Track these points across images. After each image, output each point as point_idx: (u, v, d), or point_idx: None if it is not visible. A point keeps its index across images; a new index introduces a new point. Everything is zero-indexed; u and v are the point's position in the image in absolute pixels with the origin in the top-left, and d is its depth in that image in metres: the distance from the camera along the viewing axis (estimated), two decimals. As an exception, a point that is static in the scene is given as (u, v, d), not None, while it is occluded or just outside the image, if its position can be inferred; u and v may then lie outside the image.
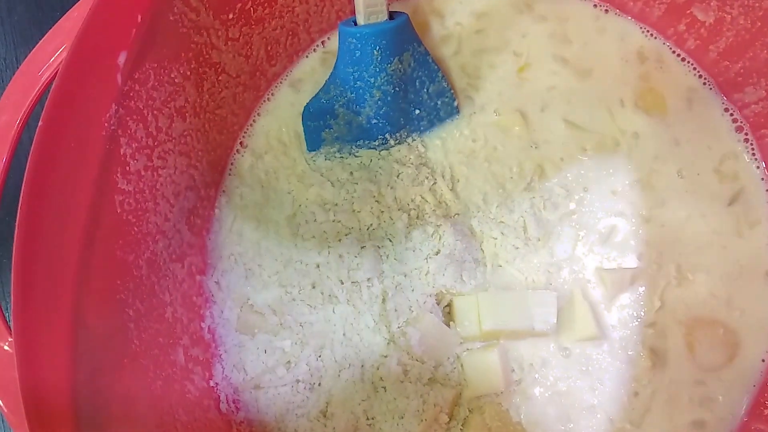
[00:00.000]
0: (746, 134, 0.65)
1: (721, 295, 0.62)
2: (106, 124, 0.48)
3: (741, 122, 0.65)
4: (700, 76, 0.67)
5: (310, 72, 0.70)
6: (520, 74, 0.68)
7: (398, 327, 0.61)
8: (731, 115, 0.66)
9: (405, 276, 0.63)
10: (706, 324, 0.62)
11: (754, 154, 0.65)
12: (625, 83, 0.67)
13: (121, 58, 0.48)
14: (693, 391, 0.61)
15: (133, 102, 0.50)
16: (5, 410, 0.48)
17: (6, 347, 0.50)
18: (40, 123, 0.42)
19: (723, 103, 0.66)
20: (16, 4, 0.85)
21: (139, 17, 0.48)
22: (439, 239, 0.63)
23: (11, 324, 0.42)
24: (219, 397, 0.61)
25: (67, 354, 0.44)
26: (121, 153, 0.50)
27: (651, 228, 0.64)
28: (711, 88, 0.67)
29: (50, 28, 0.53)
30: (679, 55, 0.67)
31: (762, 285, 0.62)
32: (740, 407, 0.61)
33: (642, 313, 0.62)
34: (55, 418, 0.42)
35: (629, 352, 0.61)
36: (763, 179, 0.64)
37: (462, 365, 0.61)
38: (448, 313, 0.63)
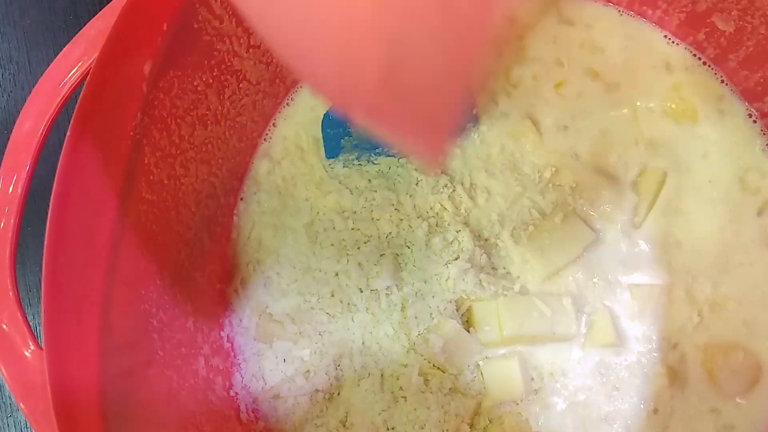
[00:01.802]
0: (768, 143, 0.65)
1: (745, 319, 0.61)
2: (131, 133, 0.48)
3: (762, 130, 0.65)
4: (722, 82, 0.67)
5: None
6: (558, 90, 0.68)
7: (418, 334, 0.61)
8: (754, 122, 0.65)
9: (425, 282, 0.62)
10: (726, 349, 0.61)
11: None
12: (653, 93, 0.67)
13: (147, 67, 0.48)
14: (715, 419, 0.60)
15: (157, 111, 0.50)
16: (28, 415, 0.48)
17: (28, 354, 0.50)
18: (67, 133, 0.42)
19: (747, 110, 0.66)
20: (29, 8, 0.85)
21: (165, 25, 0.48)
22: (459, 245, 0.63)
23: (36, 332, 0.42)
24: (239, 406, 0.61)
25: (95, 363, 0.44)
26: (146, 162, 0.50)
27: (679, 241, 0.63)
28: (734, 93, 0.66)
29: (62, 31, 0.52)
30: (706, 63, 0.67)
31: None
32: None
33: (664, 331, 0.62)
34: (83, 425, 0.42)
35: (649, 368, 0.61)
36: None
37: (481, 373, 0.61)
38: (465, 321, 0.63)
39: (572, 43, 0.68)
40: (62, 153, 0.42)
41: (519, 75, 0.68)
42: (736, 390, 0.60)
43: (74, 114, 0.42)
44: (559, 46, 0.68)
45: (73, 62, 0.51)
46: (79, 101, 0.43)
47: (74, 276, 0.43)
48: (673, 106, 0.66)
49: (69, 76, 0.51)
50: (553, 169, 0.65)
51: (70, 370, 0.42)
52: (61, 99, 0.51)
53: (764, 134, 0.65)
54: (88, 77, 0.43)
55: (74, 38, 0.52)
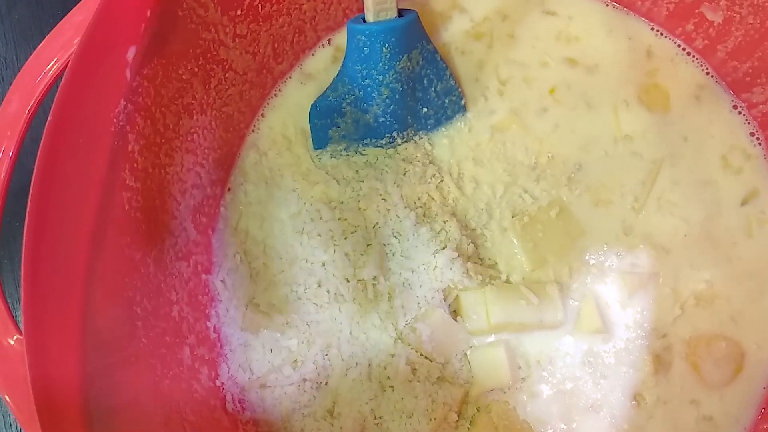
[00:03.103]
0: (753, 132, 0.65)
1: (730, 311, 0.62)
2: (114, 120, 0.47)
3: (750, 121, 0.65)
4: (707, 73, 0.67)
5: (322, 69, 0.69)
6: (553, 95, 0.68)
7: (406, 324, 0.61)
8: (740, 113, 0.66)
9: (412, 272, 0.62)
10: (708, 339, 0.61)
11: (765, 154, 0.64)
12: (630, 80, 0.67)
13: (130, 54, 0.48)
14: (696, 411, 0.61)
15: (141, 98, 0.50)
16: (13, 407, 0.48)
17: (12, 342, 0.50)
18: (49, 118, 0.42)
19: (732, 101, 0.66)
20: (17, 2, 0.84)
21: (149, 12, 0.48)
22: (446, 235, 0.63)
23: (19, 321, 0.42)
24: (225, 396, 0.60)
25: (77, 351, 0.44)
26: (129, 150, 0.50)
27: (666, 229, 0.63)
28: (719, 84, 0.66)
29: (50, 26, 0.52)
30: (688, 53, 0.67)
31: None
32: (748, 417, 0.61)
33: (653, 321, 0.62)
34: (65, 415, 0.42)
35: (636, 355, 0.61)
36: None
37: (469, 362, 0.61)
38: (453, 310, 0.63)
39: (549, 37, 0.68)
40: (43, 138, 0.41)
41: (509, 74, 0.68)
42: (720, 380, 0.60)
43: (56, 99, 0.42)
44: (540, 45, 0.68)
45: (58, 48, 0.52)
46: (60, 86, 0.42)
47: (55, 263, 0.42)
48: (648, 92, 0.66)
49: (53, 62, 0.51)
50: (550, 155, 0.65)
51: (50, 357, 0.42)
52: (45, 86, 0.51)
53: (749, 123, 0.65)
54: (70, 63, 0.43)
55: (59, 24, 0.52)
